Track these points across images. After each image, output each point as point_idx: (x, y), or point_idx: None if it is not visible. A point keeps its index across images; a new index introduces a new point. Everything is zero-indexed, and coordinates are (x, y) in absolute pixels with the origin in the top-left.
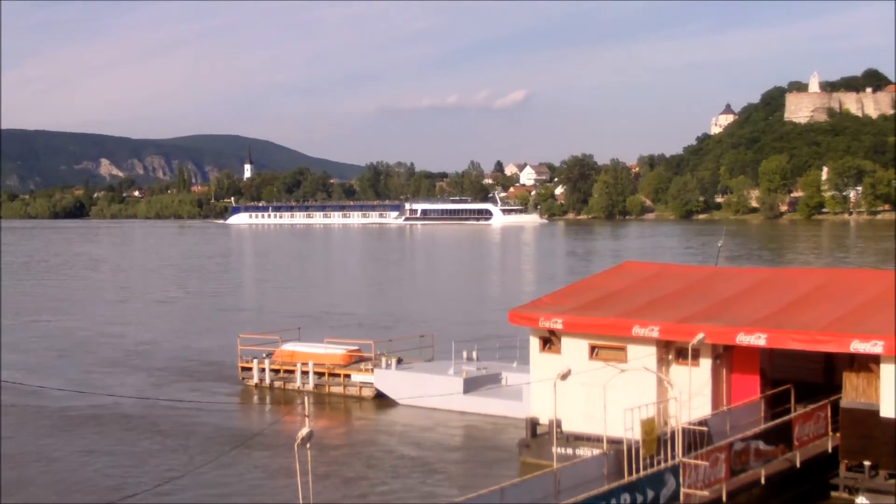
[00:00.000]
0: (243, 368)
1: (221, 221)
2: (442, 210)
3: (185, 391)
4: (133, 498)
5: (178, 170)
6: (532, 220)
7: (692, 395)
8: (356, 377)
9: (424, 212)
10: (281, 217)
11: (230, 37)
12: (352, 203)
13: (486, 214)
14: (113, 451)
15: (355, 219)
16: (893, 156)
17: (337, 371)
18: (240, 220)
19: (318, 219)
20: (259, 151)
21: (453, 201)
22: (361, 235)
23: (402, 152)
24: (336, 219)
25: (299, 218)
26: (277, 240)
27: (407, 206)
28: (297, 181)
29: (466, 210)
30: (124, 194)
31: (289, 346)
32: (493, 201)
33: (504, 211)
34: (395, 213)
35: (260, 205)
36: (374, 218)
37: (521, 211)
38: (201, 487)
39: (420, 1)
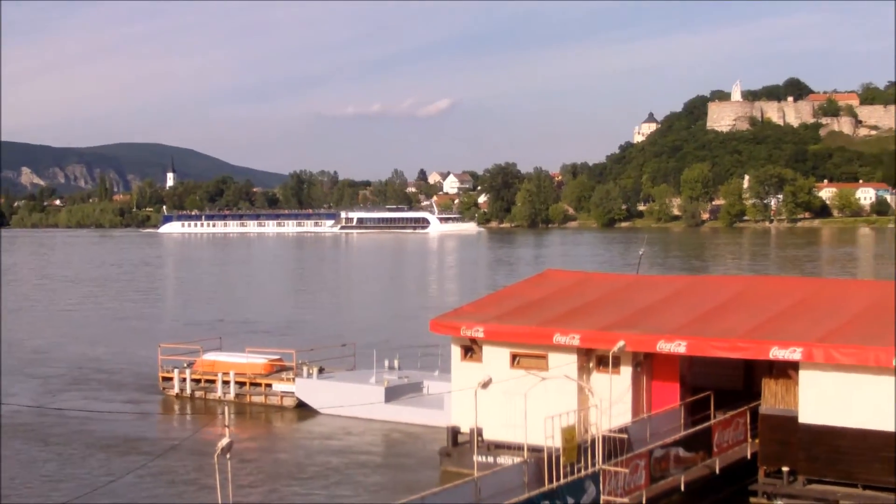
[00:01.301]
0: (164, 378)
1: (153, 230)
2: (378, 219)
3: (104, 401)
4: None
5: (100, 178)
6: (469, 228)
7: (613, 402)
8: (277, 387)
9: (360, 220)
10: (214, 226)
11: (153, 45)
12: (286, 212)
13: (423, 223)
14: (30, 463)
15: (290, 227)
16: (814, 164)
17: (258, 381)
18: (172, 228)
19: (251, 227)
20: (182, 160)
21: (389, 210)
22: (295, 244)
23: (326, 160)
24: (270, 227)
25: (233, 227)
26: (207, 249)
27: (343, 214)
28: (220, 190)
29: (403, 219)
30: (45, 203)
31: (210, 356)
32: (430, 210)
33: (441, 219)
34: (330, 222)
35: (192, 213)
36: (308, 227)
37: (458, 219)
38: (121, 498)
39: (345, 9)
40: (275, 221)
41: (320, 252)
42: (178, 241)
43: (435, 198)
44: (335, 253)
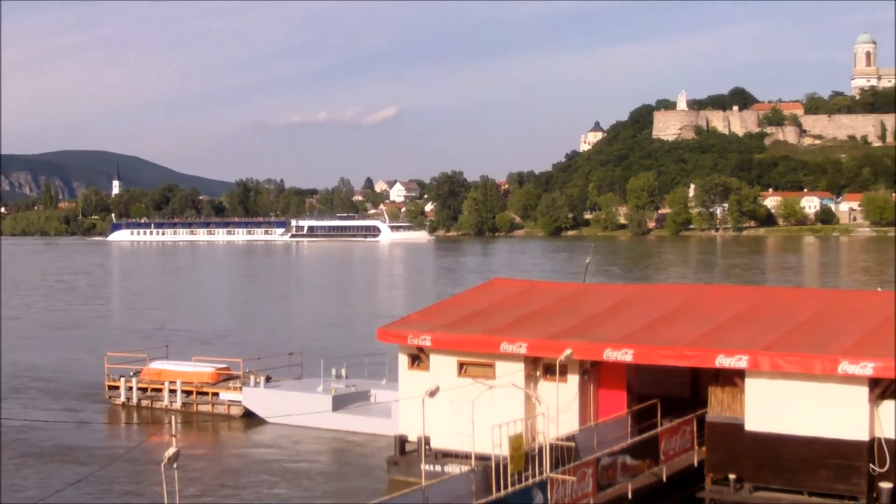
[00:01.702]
0: (110, 387)
1: (101, 238)
2: (329, 227)
3: (49, 411)
4: None
5: (45, 186)
6: (420, 236)
7: (560, 410)
8: (224, 395)
9: (311, 229)
10: (163, 234)
11: (99, 52)
12: (236, 220)
13: (374, 231)
14: None
15: (240, 235)
16: (759, 173)
17: (205, 389)
18: (121, 236)
19: (201, 235)
20: (128, 167)
21: (340, 218)
22: (244, 252)
23: (272, 169)
24: (220, 236)
25: (182, 235)
26: (156, 257)
27: (293, 222)
28: (166, 198)
29: (354, 227)
30: None
31: (157, 365)
32: (381, 218)
33: (392, 228)
34: (280, 230)
35: (142, 221)
36: (259, 235)
37: (409, 228)
38: None
39: (288, 19)
40: (224, 230)
41: (269, 260)
42: (127, 249)
43: (382, 206)
44: (284, 261)
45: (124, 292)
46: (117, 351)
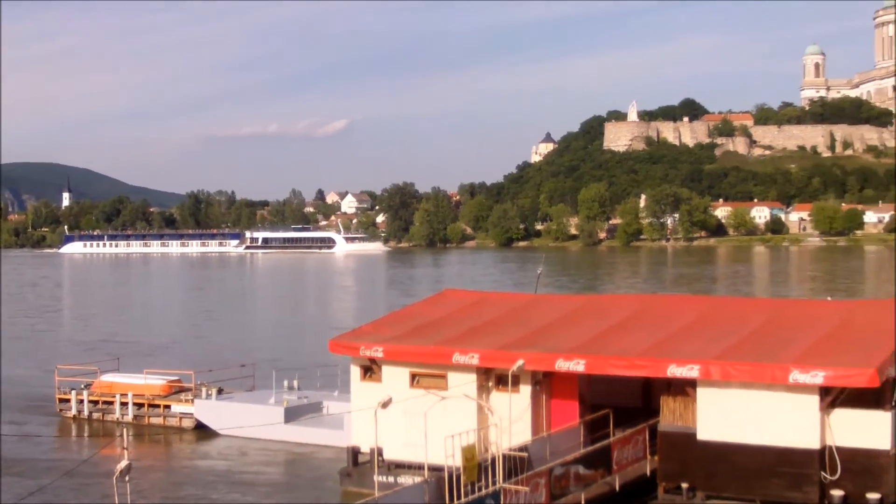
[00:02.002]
0: (61, 400)
1: (54, 251)
2: (284, 238)
3: None
4: None
5: None
6: (376, 248)
7: (512, 421)
8: (176, 408)
9: (266, 240)
10: (117, 246)
11: (49, 64)
12: (191, 231)
13: (329, 243)
14: None
15: (194, 247)
16: (709, 183)
17: (156, 402)
18: (73, 249)
19: (155, 248)
20: (78, 180)
21: (295, 229)
22: (199, 264)
23: (223, 181)
24: (174, 248)
25: (136, 247)
26: (109, 269)
27: (248, 234)
28: (117, 210)
29: (309, 238)
30: None
31: (108, 377)
32: (337, 229)
33: (347, 239)
34: (235, 242)
35: (95, 233)
36: (213, 247)
37: (364, 239)
38: None
39: (239, 32)
40: (179, 241)
41: (223, 272)
42: (80, 261)
43: (334, 217)
44: (238, 273)
45: (75, 305)
46: (68, 363)
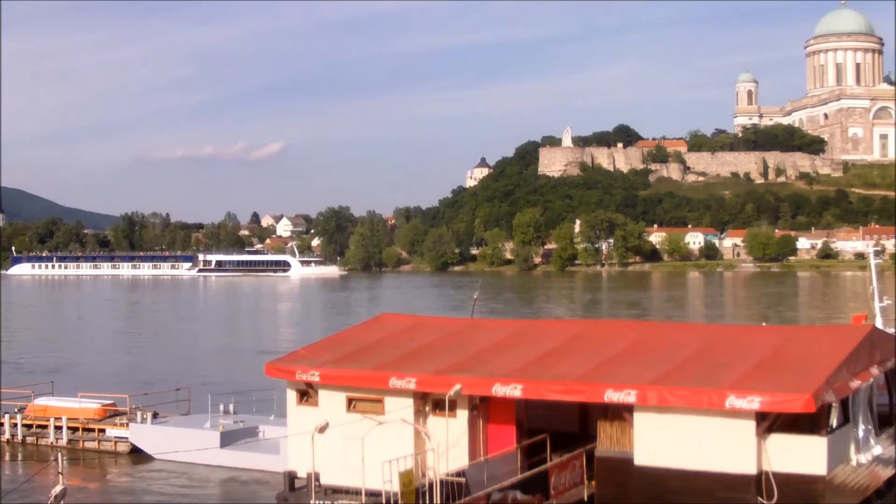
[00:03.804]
0: None
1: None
2: (237, 262)
3: None
4: None
5: None
6: (331, 271)
7: (450, 446)
8: (111, 432)
9: (219, 263)
10: (66, 268)
11: None
12: (142, 254)
13: (284, 266)
14: None
15: (145, 270)
16: (644, 209)
17: (91, 426)
18: (21, 270)
19: (105, 269)
20: (11, 200)
21: (250, 252)
22: (149, 286)
23: (158, 203)
24: (125, 270)
25: (86, 269)
26: (53, 291)
27: (200, 256)
28: (51, 231)
29: (263, 262)
30: None
31: (41, 401)
32: (292, 253)
33: (303, 262)
34: (188, 265)
35: (44, 255)
36: (165, 269)
37: (320, 262)
38: None
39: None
40: (130, 263)
41: (168, 295)
42: (28, 283)
43: (268, 241)
44: (183, 296)
45: (9, 327)
46: (0, 387)
